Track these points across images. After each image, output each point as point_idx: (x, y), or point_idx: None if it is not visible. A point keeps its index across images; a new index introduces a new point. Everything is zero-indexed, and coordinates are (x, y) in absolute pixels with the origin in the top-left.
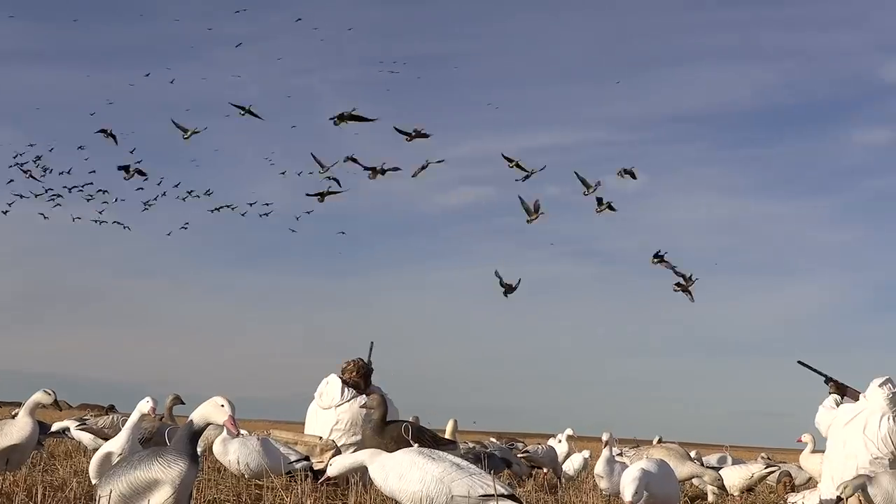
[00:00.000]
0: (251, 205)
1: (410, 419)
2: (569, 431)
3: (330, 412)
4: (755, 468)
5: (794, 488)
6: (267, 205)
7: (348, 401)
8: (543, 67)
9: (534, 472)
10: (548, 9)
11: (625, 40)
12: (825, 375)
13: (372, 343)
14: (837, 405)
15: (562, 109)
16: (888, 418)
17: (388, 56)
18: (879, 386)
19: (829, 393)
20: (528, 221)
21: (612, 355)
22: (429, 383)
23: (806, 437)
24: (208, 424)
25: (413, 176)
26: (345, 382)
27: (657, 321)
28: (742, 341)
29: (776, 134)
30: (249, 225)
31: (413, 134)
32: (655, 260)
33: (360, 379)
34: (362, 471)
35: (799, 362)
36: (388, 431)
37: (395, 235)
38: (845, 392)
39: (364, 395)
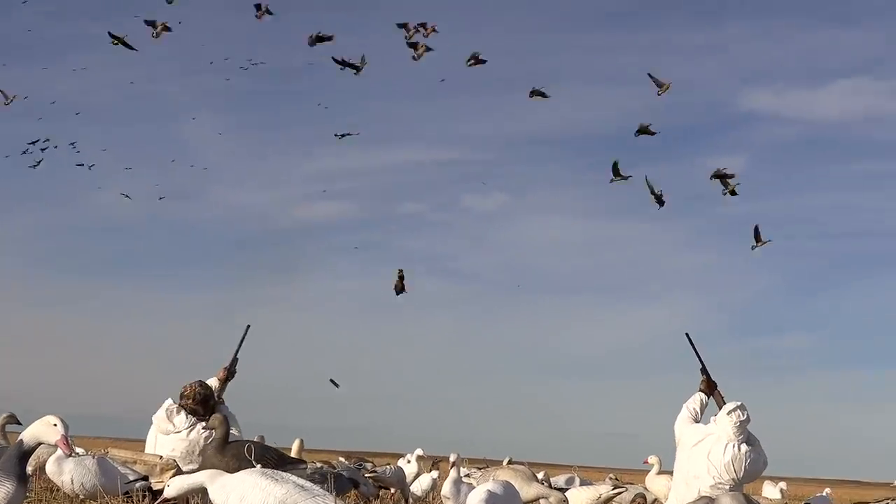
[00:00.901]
0: None
1: (255, 438)
2: (419, 452)
3: (168, 438)
4: (603, 489)
5: None
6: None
7: (186, 428)
8: (402, 83)
9: (381, 493)
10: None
11: (487, 59)
12: (703, 364)
13: (248, 327)
14: (702, 407)
15: (420, 126)
16: (733, 445)
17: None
18: (728, 413)
19: (700, 388)
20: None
21: (465, 375)
22: (278, 401)
23: (652, 459)
24: (39, 444)
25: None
26: (183, 408)
27: (512, 341)
28: (594, 362)
29: (635, 158)
30: (97, 235)
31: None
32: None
33: (197, 406)
34: (202, 492)
35: (686, 335)
36: (229, 451)
37: (251, 248)
38: (712, 393)
39: (204, 422)
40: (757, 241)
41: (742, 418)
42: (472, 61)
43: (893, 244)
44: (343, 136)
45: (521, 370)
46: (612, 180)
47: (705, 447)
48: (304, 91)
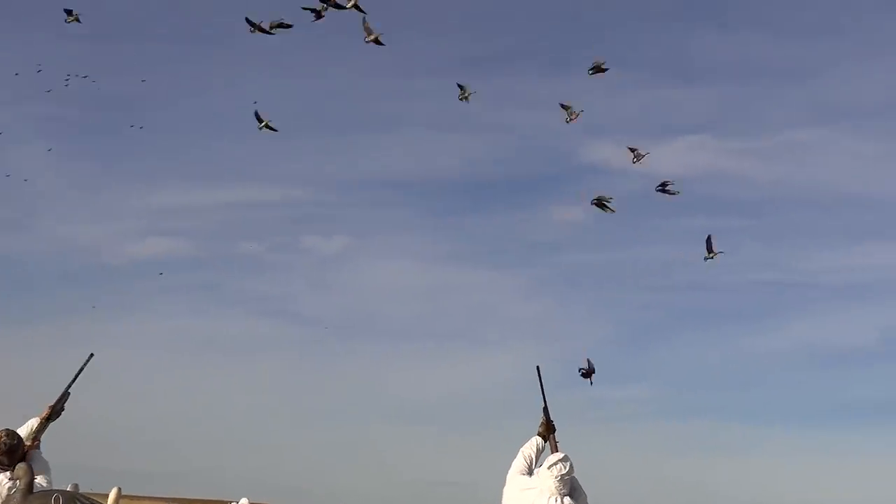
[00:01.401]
0: None
1: (69, 487)
2: (245, 500)
3: None
4: None
5: None
6: None
7: None
8: (245, 121)
9: None
10: (254, 63)
11: (333, 100)
12: (545, 403)
13: (91, 356)
14: (537, 453)
15: (261, 164)
16: (556, 500)
17: (82, 97)
18: (549, 467)
19: (538, 431)
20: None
21: (300, 420)
22: (101, 444)
23: None
24: None
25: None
26: None
27: (349, 386)
28: (430, 409)
29: (479, 205)
30: None
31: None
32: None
33: (2, 456)
34: None
35: (537, 368)
36: (33, 502)
37: (75, 285)
38: (548, 437)
39: (9, 472)
40: (709, 253)
41: (564, 472)
42: (594, 70)
43: (727, 298)
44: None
45: (357, 416)
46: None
47: (529, 499)
48: (145, 124)
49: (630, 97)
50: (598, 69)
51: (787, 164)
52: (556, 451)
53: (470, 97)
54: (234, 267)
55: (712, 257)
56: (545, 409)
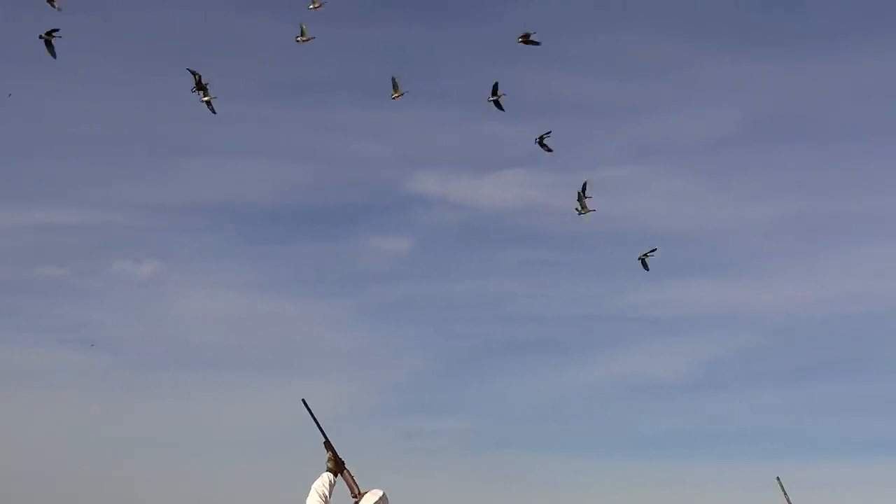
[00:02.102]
0: None
1: None
2: None
3: None
4: None
5: None
6: None
7: None
8: (50, 139)
9: None
10: (58, 80)
11: (147, 123)
12: (325, 438)
13: None
14: (330, 488)
15: (68, 187)
16: None
17: None
18: None
19: (328, 467)
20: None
21: (107, 451)
22: None
23: None
24: None
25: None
26: None
27: (159, 416)
28: (242, 440)
29: (299, 233)
30: None
31: None
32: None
33: None
34: None
35: (303, 401)
36: None
37: None
38: (341, 471)
39: None
40: (582, 208)
41: None
42: (523, 40)
43: (544, 330)
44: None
45: (167, 446)
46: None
47: None
48: None
49: (451, 130)
50: (527, 40)
51: (603, 200)
52: (355, 485)
53: (400, 96)
54: (38, 292)
55: (584, 212)
56: (327, 444)
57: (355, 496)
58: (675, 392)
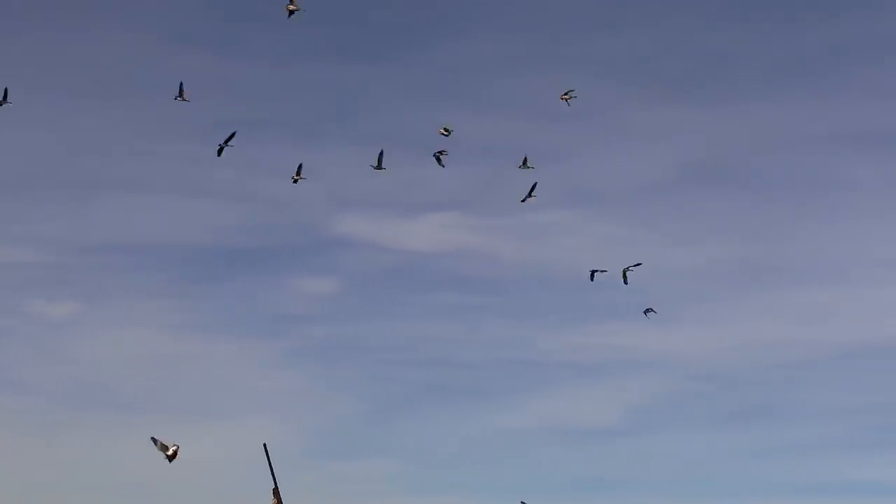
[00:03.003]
0: None
1: None
2: None
3: None
4: None
5: None
6: None
7: None
8: None
9: None
10: None
11: (70, 159)
12: (275, 482)
13: None
14: None
15: None
16: None
17: None
18: None
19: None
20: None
21: (19, 495)
22: None
23: None
24: None
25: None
26: None
27: (75, 461)
28: (161, 485)
29: (225, 274)
30: None
31: None
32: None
33: None
34: None
35: (264, 445)
36: None
37: None
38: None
39: None
40: (529, 195)
41: None
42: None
43: (471, 374)
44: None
45: (82, 491)
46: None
47: None
48: None
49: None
50: (569, 97)
51: (533, 244)
52: None
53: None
54: None
55: (529, 197)
56: (275, 490)
57: None
58: (602, 436)
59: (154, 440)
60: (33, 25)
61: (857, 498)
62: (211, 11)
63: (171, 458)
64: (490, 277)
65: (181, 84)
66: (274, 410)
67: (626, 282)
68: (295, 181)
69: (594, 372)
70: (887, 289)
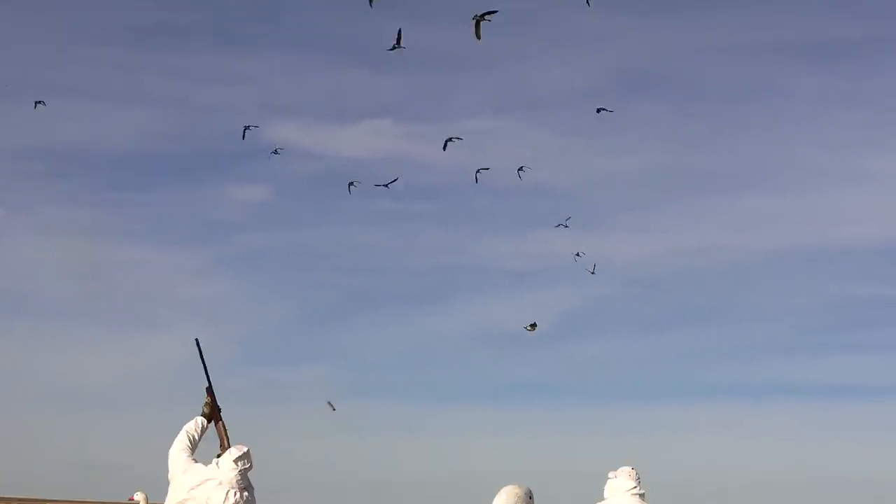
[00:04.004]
0: None
1: None
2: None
3: None
4: None
5: None
6: None
7: None
8: None
9: None
10: None
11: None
12: (209, 381)
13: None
14: (201, 433)
15: None
16: (235, 493)
17: None
18: (234, 461)
19: (202, 412)
20: None
21: None
22: None
23: (138, 496)
24: None
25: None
26: None
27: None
28: (92, 392)
29: (151, 181)
30: None
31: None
32: None
33: None
34: None
35: (196, 340)
36: None
37: None
38: (215, 419)
39: None
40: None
41: (246, 466)
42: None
43: (405, 280)
44: None
45: (15, 400)
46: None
47: (205, 492)
48: None
49: (314, 79)
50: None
51: (467, 151)
52: (225, 437)
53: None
54: None
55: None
56: (209, 389)
57: (223, 448)
58: (535, 341)
59: None
60: None
61: (786, 398)
62: None
63: None
64: (424, 185)
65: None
66: (206, 318)
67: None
68: (394, 48)
69: (529, 278)
70: (817, 196)
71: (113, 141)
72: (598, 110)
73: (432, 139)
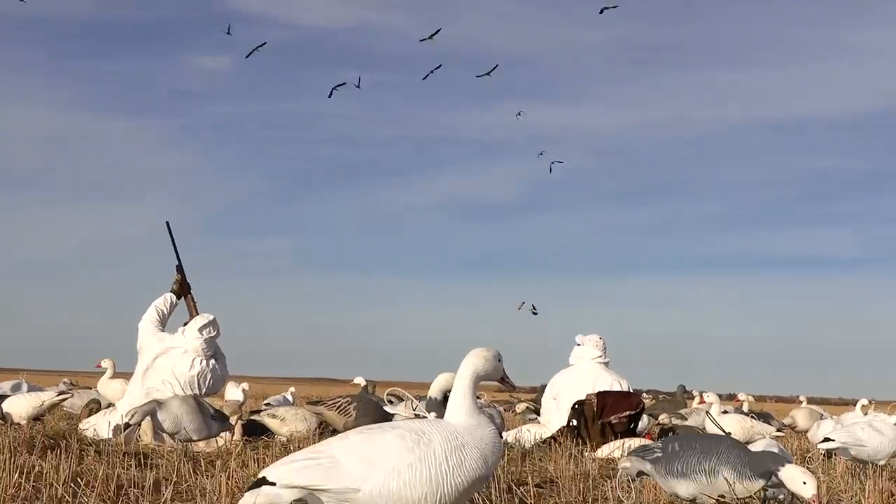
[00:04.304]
0: None
1: None
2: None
3: None
4: (46, 395)
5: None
6: None
7: None
8: None
9: None
10: None
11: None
12: (179, 260)
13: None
14: (170, 308)
15: None
16: (201, 360)
17: None
18: (199, 329)
19: (172, 288)
20: None
21: None
22: None
23: (105, 363)
24: None
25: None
26: None
27: None
28: (55, 262)
29: (117, 49)
30: None
31: None
32: None
33: None
34: None
35: (167, 223)
36: None
37: None
38: (184, 295)
39: None
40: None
41: (212, 334)
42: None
43: (373, 151)
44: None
45: None
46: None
47: (170, 360)
48: None
49: None
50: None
51: (438, 21)
52: (194, 310)
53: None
54: None
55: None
56: (178, 267)
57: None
58: (505, 213)
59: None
60: None
61: (753, 270)
62: None
63: None
64: (393, 54)
65: None
66: (172, 189)
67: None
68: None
69: (496, 149)
70: (786, 70)
71: (74, 6)
72: (602, 10)
73: (401, 8)
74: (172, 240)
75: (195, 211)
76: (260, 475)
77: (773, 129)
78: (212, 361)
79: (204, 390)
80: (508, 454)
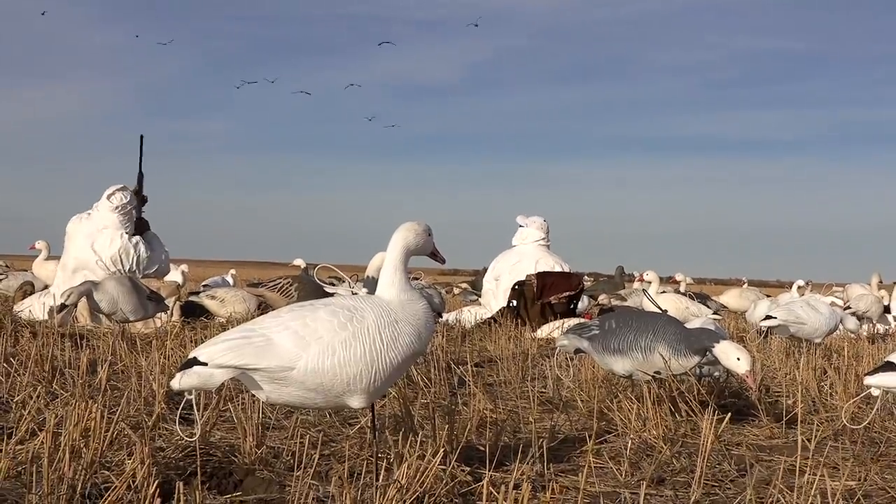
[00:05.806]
0: None
1: None
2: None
3: None
4: None
5: (26, 296)
6: None
7: None
8: None
9: None
10: None
11: None
12: (140, 170)
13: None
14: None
15: None
16: (121, 235)
17: None
18: (107, 197)
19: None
20: None
21: None
22: None
23: (40, 244)
24: None
25: None
26: None
27: None
28: None
29: None
30: None
31: None
32: None
33: None
34: None
35: (141, 137)
36: None
37: None
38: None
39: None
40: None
41: (123, 201)
42: None
43: (310, 31)
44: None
45: None
46: None
47: (89, 238)
48: None
49: None
50: None
51: None
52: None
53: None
54: None
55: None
56: (140, 176)
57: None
58: (443, 94)
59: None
60: None
61: (693, 152)
62: None
63: None
64: None
65: None
66: (104, 68)
67: None
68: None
69: (438, 28)
70: None
71: None
72: None
73: None
74: (141, 152)
75: (133, 91)
76: (191, 355)
77: (716, 7)
78: (137, 239)
79: (136, 269)
80: (448, 335)
